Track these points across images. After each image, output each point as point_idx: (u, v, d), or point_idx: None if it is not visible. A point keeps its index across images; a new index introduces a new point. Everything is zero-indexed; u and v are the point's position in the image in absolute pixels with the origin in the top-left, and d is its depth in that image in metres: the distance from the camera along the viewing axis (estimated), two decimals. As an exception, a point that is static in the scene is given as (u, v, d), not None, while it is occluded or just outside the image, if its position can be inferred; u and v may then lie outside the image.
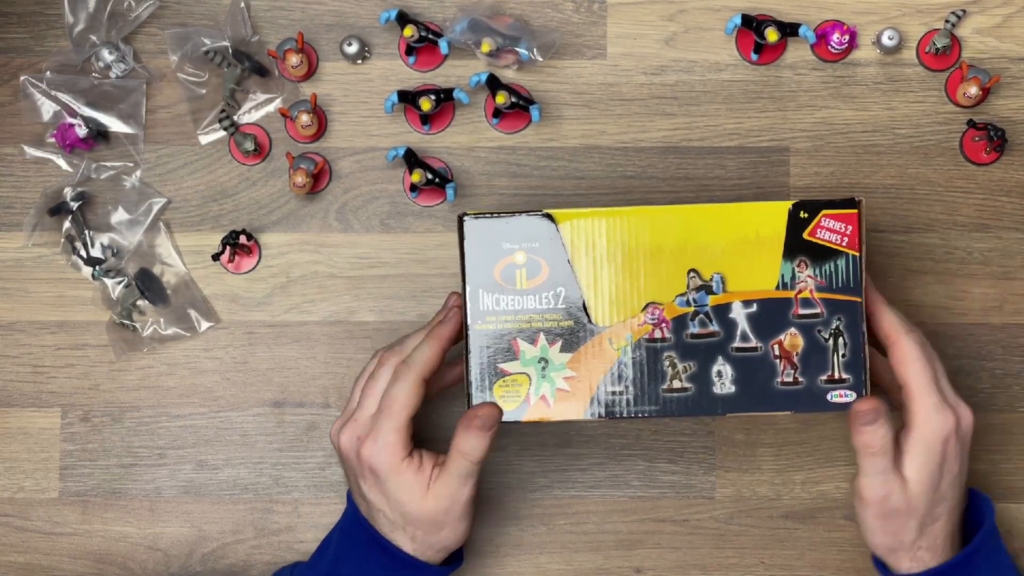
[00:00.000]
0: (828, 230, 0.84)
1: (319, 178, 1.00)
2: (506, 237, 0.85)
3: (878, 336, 0.86)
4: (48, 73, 1.00)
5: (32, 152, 1.01)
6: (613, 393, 0.85)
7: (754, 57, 1.00)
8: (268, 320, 1.00)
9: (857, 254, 0.84)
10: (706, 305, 0.84)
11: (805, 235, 0.84)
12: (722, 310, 0.85)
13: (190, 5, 1.01)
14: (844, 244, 0.84)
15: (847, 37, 0.98)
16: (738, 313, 0.85)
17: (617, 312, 0.85)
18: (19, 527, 0.99)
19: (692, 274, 0.84)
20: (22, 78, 1.00)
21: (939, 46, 0.98)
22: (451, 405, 0.97)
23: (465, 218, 0.84)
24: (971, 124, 0.98)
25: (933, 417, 0.84)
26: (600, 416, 0.85)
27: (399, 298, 1.00)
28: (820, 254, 0.84)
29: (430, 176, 0.97)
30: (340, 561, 0.90)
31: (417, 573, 0.89)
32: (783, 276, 0.84)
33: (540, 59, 0.99)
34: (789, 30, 0.98)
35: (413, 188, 1.00)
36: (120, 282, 0.99)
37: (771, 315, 0.84)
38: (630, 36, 1.01)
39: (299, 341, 1.00)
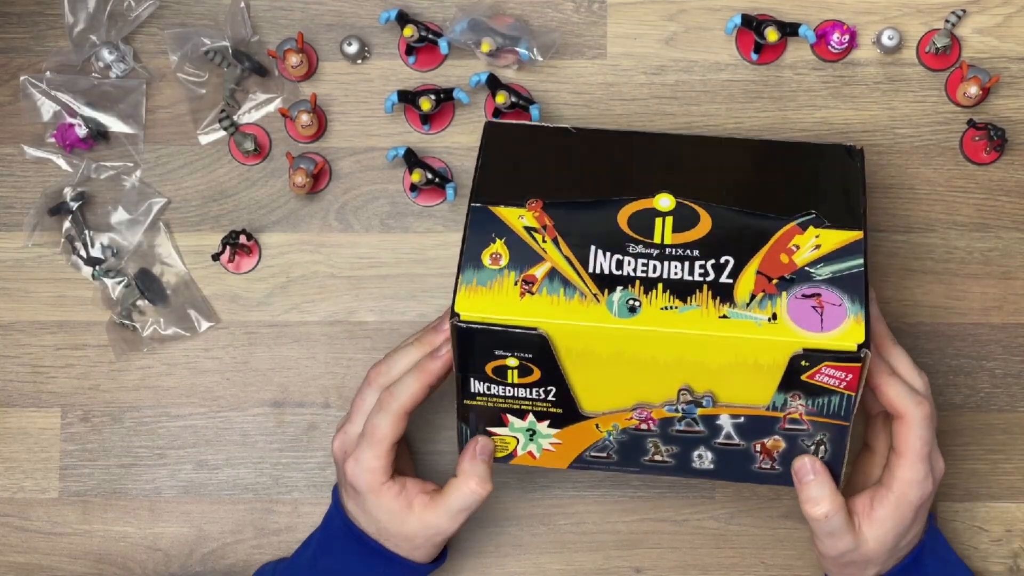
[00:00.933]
0: (828, 376, 0.82)
1: (319, 178, 1.00)
2: (499, 345, 0.82)
3: (883, 402, 0.85)
4: (48, 73, 1.00)
5: (32, 152, 1.01)
6: (596, 457, 0.88)
7: (754, 57, 1.00)
8: (268, 320, 1.00)
9: (853, 394, 0.83)
10: (694, 414, 0.85)
11: (803, 377, 0.82)
12: (710, 417, 0.85)
13: (190, 5, 1.01)
14: (842, 387, 0.83)
15: (847, 37, 0.98)
16: (725, 421, 0.85)
17: (606, 405, 0.85)
18: (19, 527, 0.99)
19: (684, 391, 0.83)
20: (22, 78, 1.00)
21: (939, 46, 0.98)
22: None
23: (458, 323, 0.81)
24: (971, 124, 0.98)
25: (914, 490, 0.84)
26: (583, 468, 0.89)
27: (399, 298, 1.00)
28: (816, 391, 0.83)
29: (430, 176, 0.97)
30: (320, 554, 0.91)
31: (397, 569, 0.89)
32: (775, 402, 0.83)
33: (540, 59, 0.99)
34: (789, 30, 0.98)
35: (413, 188, 1.00)
36: (120, 282, 0.99)
37: (757, 425, 0.85)
38: (630, 36, 1.01)
39: (299, 341, 1.00)
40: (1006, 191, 1.00)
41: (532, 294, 0.81)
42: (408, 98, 0.98)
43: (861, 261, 0.82)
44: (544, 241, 0.83)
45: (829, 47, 0.99)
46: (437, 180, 0.97)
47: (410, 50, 1.00)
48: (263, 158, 1.01)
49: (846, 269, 0.82)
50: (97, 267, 0.99)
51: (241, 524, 0.99)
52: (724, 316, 0.80)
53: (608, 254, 0.82)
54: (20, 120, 1.01)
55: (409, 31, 0.98)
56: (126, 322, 0.99)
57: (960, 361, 0.99)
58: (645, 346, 0.81)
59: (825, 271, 0.82)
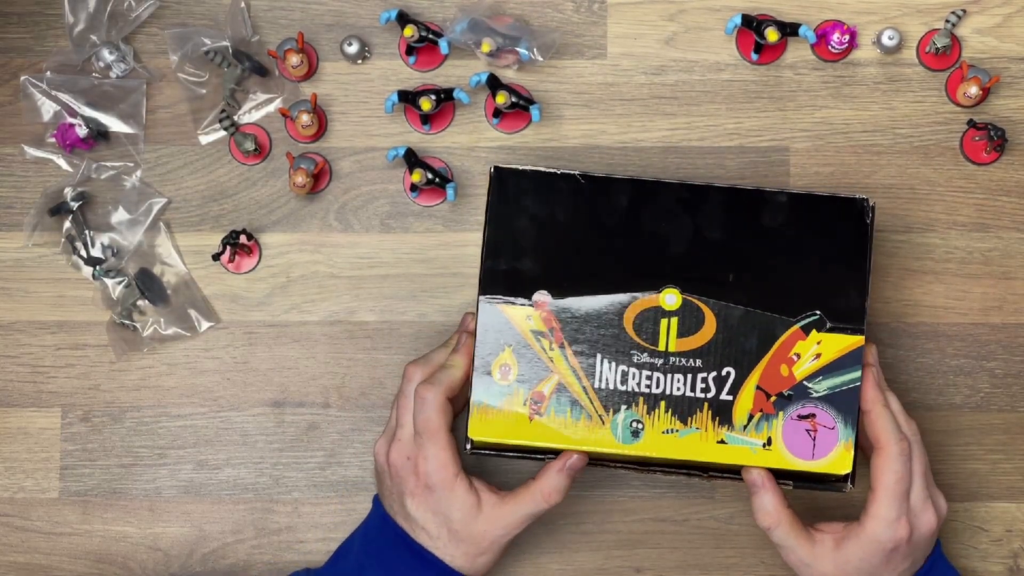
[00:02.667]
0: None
1: (319, 178, 1.00)
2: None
3: (868, 430, 0.87)
4: (48, 73, 1.00)
5: (32, 152, 1.01)
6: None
7: (754, 57, 1.00)
8: (268, 320, 1.00)
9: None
10: None
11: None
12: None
13: (190, 5, 1.01)
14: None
15: (847, 37, 0.98)
16: None
17: None
18: (19, 527, 0.99)
19: None
20: (22, 78, 1.00)
21: (939, 46, 0.98)
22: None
23: (471, 449, 0.88)
24: (971, 124, 0.98)
25: (883, 530, 0.85)
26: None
27: (399, 298, 1.00)
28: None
29: (430, 176, 0.97)
30: (368, 563, 0.90)
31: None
32: None
33: (540, 59, 0.99)
34: (789, 30, 0.98)
35: (413, 188, 1.00)
36: (120, 282, 0.99)
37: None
38: (630, 36, 1.01)
39: (299, 341, 1.00)
40: (1006, 191, 1.00)
41: (540, 415, 0.86)
42: (408, 98, 0.98)
43: (859, 374, 0.86)
44: (552, 349, 0.87)
45: (829, 47, 0.99)
46: (437, 180, 0.97)
47: (410, 50, 1.00)
48: (263, 158, 1.01)
49: (843, 384, 0.87)
50: (97, 267, 0.99)
51: (241, 524, 0.99)
52: (722, 441, 0.86)
53: (614, 365, 0.86)
54: (20, 120, 1.01)
55: (409, 31, 0.97)
56: (126, 322, 0.99)
57: (960, 361, 0.99)
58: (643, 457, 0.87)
59: (822, 387, 0.87)
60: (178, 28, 1.00)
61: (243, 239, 0.98)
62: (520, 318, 0.87)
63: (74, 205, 0.99)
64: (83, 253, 0.99)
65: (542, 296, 0.87)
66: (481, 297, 0.87)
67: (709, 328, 0.87)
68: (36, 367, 1.00)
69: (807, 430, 0.86)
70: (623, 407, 0.86)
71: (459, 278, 0.99)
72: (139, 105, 1.00)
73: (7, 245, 1.00)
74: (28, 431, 1.00)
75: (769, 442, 0.86)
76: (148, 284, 0.99)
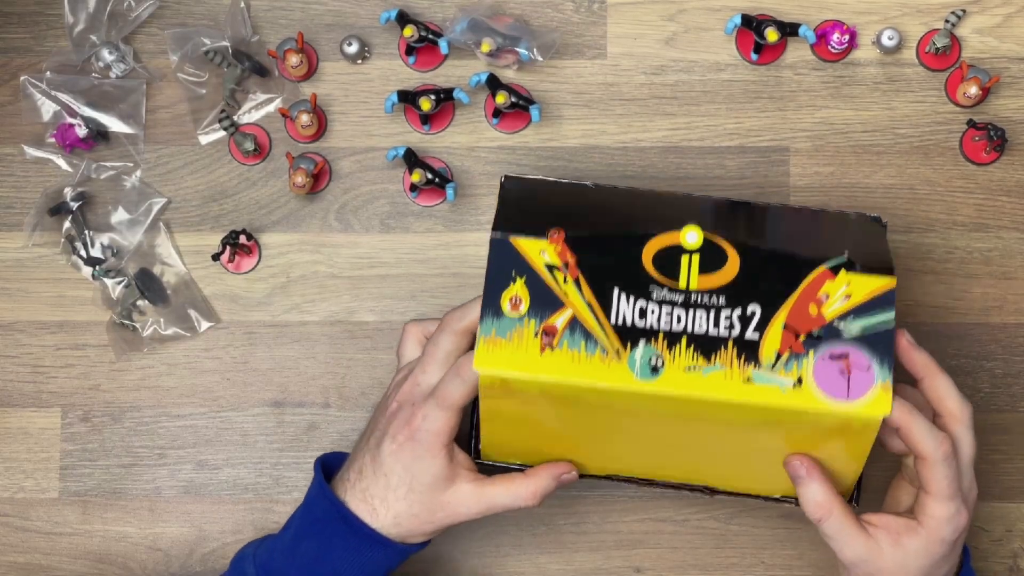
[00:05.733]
0: None
1: (319, 178, 1.00)
2: None
3: (905, 442, 0.82)
4: (48, 73, 1.00)
5: (32, 152, 1.01)
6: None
7: (754, 57, 1.00)
8: (268, 320, 1.00)
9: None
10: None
11: None
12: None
13: (190, 5, 1.01)
14: None
15: (847, 37, 0.98)
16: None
17: (612, 464, 0.88)
18: (19, 527, 0.99)
19: None
20: (22, 78, 1.00)
21: (939, 46, 0.98)
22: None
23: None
24: (971, 124, 0.98)
25: (945, 527, 0.82)
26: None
27: (399, 298, 1.00)
28: None
29: (430, 176, 0.97)
30: (302, 536, 0.87)
31: (379, 548, 0.86)
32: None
33: (540, 59, 0.99)
34: (789, 30, 0.98)
35: (413, 188, 1.00)
36: (120, 282, 0.99)
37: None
38: (630, 36, 1.01)
39: (299, 341, 1.00)
40: (1006, 191, 1.00)
41: (552, 348, 0.79)
42: (408, 98, 0.98)
43: (892, 316, 0.80)
44: (565, 282, 0.81)
45: (829, 47, 0.99)
46: (437, 180, 0.97)
47: (410, 50, 1.00)
48: (263, 158, 1.01)
49: (876, 325, 0.80)
50: (97, 267, 0.99)
51: (241, 524, 0.99)
52: (749, 379, 0.79)
53: (632, 299, 0.80)
54: (20, 120, 1.01)
55: (409, 31, 0.98)
56: (126, 322, 0.99)
57: (960, 361, 0.99)
58: (666, 407, 0.80)
59: (854, 327, 0.80)
60: (178, 28, 1.00)
61: (243, 239, 0.98)
62: (533, 252, 0.81)
63: (74, 205, 0.99)
64: (83, 253, 0.99)
65: (557, 232, 0.82)
66: (493, 232, 0.81)
67: (732, 266, 0.81)
68: (36, 367, 1.00)
69: (840, 370, 0.79)
70: (641, 342, 0.79)
71: (459, 278, 0.99)
72: (139, 105, 1.00)
73: (7, 245, 1.00)
74: (28, 431, 1.00)
75: (800, 381, 0.78)
76: (148, 284, 0.99)
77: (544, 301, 0.80)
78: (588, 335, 0.80)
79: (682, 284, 0.81)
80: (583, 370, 0.79)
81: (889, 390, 0.78)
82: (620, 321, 0.80)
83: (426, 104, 0.97)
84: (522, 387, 0.79)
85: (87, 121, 0.99)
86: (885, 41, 0.99)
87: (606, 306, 0.80)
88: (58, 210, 0.99)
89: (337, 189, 1.00)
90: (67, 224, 0.99)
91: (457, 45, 0.99)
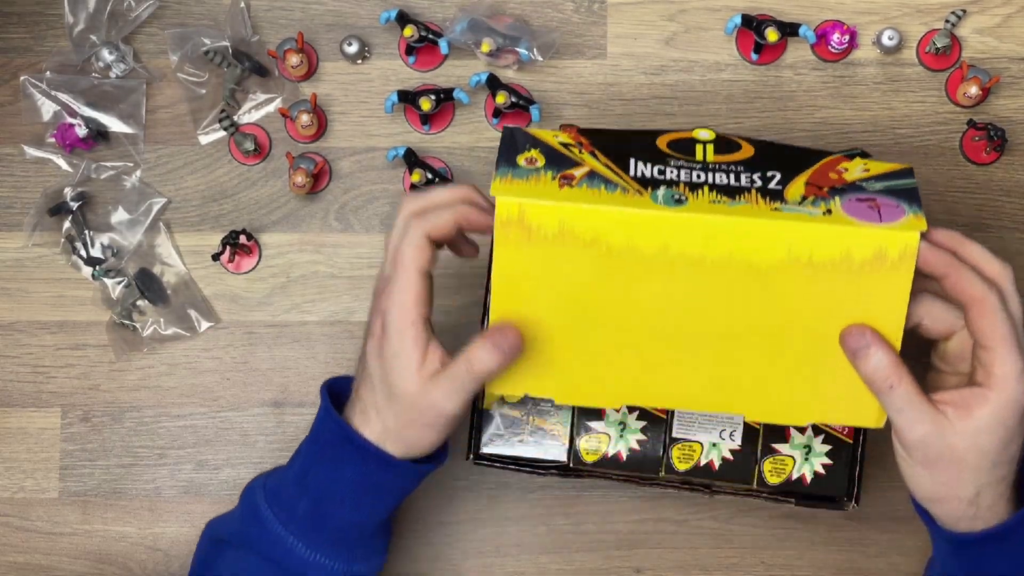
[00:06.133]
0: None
1: (319, 178, 1.00)
2: None
3: (951, 293, 0.76)
4: (48, 73, 1.00)
5: (32, 152, 1.01)
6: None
7: (754, 57, 1.00)
8: (268, 320, 1.00)
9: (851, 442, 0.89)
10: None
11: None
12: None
13: (190, 5, 1.01)
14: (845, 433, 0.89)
15: (847, 37, 0.98)
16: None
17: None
18: (19, 527, 0.99)
19: None
20: (22, 78, 1.00)
21: (939, 46, 0.98)
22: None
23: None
24: (971, 124, 0.98)
25: (1015, 385, 0.74)
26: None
27: (399, 298, 1.00)
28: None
29: (430, 176, 0.97)
30: (309, 464, 0.85)
31: (388, 468, 0.82)
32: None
33: (540, 59, 0.99)
34: (789, 30, 0.98)
35: (413, 188, 1.00)
36: (120, 282, 0.99)
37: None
38: (630, 36, 1.01)
39: (299, 341, 1.00)
40: (1006, 191, 1.00)
41: (572, 187, 0.75)
42: (408, 98, 0.98)
43: (915, 181, 0.77)
44: (581, 152, 0.78)
45: (829, 47, 0.99)
46: (437, 180, 0.97)
47: (410, 50, 1.00)
48: (263, 158, 1.01)
49: (900, 186, 0.77)
50: (97, 267, 0.99)
51: (241, 524, 0.99)
52: (776, 209, 0.75)
53: (649, 164, 0.78)
54: (20, 120, 1.01)
55: (409, 31, 0.98)
56: (126, 322, 0.99)
57: (960, 361, 0.99)
58: (692, 240, 0.74)
59: (878, 185, 0.77)
60: (178, 28, 1.00)
61: (243, 239, 0.98)
62: (547, 135, 0.80)
63: (74, 205, 0.99)
64: (83, 253, 0.99)
65: (569, 127, 0.82)
66: (505, 128, 0.81)
67: (747, 151, 0.79)
68: (36, 367, 1.00)
69: (869, 206, 0.74)
70: (662, 187, 0.75)
71: (459, 278, 0.99)
72: (139, 105, 1.00)
73: (7, 245, 1.00)
74: (28, 431, 1.00)
75: (829, 211, 0.74)
76: (148, 284, 0.99)
77: (560, 162, 0.77)
78: (607, 181, 0.76)
79: (699, 158, 0.79)
80: (605, 199, 0.74)
81: (922, 218, 0.74)
82: (638, 175, 0.77)
83: (426, 104, 0.97)
84: (541, 220, 0.75)
85: (87, 121, 0.99)
86: (885, 41, 0.99)
87: (623, 167, 0.77)
88: (58, 210, 0.99)
89: (337, 189, 1.00)
90: (67, 224, 0.99)
91: (457, 45, 0.99)
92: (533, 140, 0.79)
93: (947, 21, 0.99)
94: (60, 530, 0.99)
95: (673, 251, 0.75)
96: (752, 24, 0.98)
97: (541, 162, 0.77)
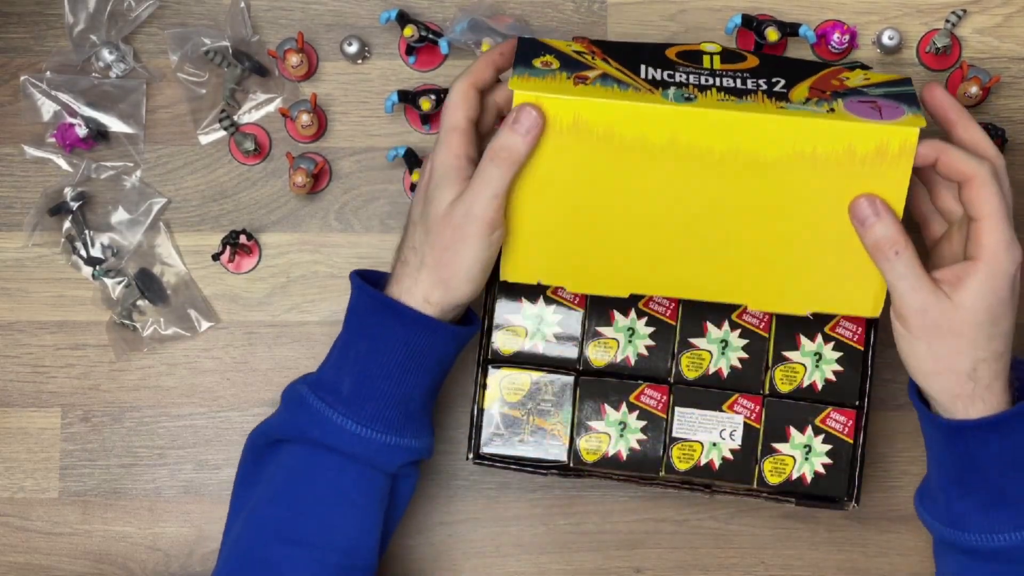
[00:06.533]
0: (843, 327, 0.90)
1: (319, 178, 1.00)
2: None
3: (945, 172, 0.81)
4: (48, 73, 1.00)
5: (32, 152, 1.01)
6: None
7: (754, 57, 1.00)
8: (268, 320, 1.00)
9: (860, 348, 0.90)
10: None
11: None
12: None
13: (190, 5, 1.01)
14: (854, 341, 0.90)
15: (847, 37, 0.98)
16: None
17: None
18: (19, 527, 0.99)
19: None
20: (22, 78, 1.00)
21: (939, 46, 0.98)
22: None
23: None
24: (971, 124, 0.98)
25: (1004, 255, 0.79)
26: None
27: (399, 298, 1.00)
28: None
29: (430, 176, 0.97)
30: (348, 344, 0.87)
31: (431, 334, 0.85)
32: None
33: (540, 59, 0.99)
34: (789, 30, 0.98)
35: (413, 188, 1.00)
36: (120, 282, 0.99)
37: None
38: (630, 36, 1.01)
39: (299, 341, 1.00)
40: (1006, 191, 0.99)
41: (586, 85, 0.81)
42: (408, 98, 0.98)
43: (913, 88, 0.82)
44: (593, 59, 0.83)
45: (829, 47, 0.99)
46: (437, 180, 0.97)
47: (410, 50, 1.00)
48: (263, 158, 1.01)
49: (899, 91, 0.82)
50: (97, 267, 0.99)
51: (241, 524, 0.99)
52: (782, 107, 0.80)
53: (659, 69, 0.83)
54: (20, 120, 1.01)
55: (409, 31, 0.97)
56: (126, 322, 0.99)
57: (960, 361, 0.99)
58: (701, 134, 0.80)
59: (878, 91, 0.82)
60: (178, 28, 1.00)
61: (243, 239, 0.98)
62: (561, 44, 0.85)
63: (74, 205, 0.99)
64: (83, 253, 0.99)
65: (581, 38, 0.87)
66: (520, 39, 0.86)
67: (752, 62, 0.85)
68: (36, 367, 1.00)
69: (871, 107, 0.80)
70: (672, 87, 0.81)
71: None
72: (139, 105, 1.00)
73: (7, 245, 1.00)
74: (28, 431, 1.00)
75: (832, 110, 0.80)
76: (148, 284, 0.99)
77: (574, 65, 0.82)
78: (619, 81, 0.81)
79: (706, 66, 0.84)
80: (618, 95, 0.80)
81: (921, 117, 0.79)
82: (649, 78, 0.82)
83: (426, 104, 0.97)
84: (556, 112, 0.80)
85: (87, 121, 0.99)
86: (885, 41, 0.99)
87: (635, 72, 0.82)
88: (58, 210, 0.99)
89: (337, 189, 1.00)
90: (67, 224, 0.99)
91: (457, 45, 0.99)
92: (548, 48, 0.84)
93: (947, 21, 0.99)
94: (60, 530, 0.99)
95: (682, 144, 0.80)
96: (752, 24, 0.98)
97: (556, 65, 0.83)
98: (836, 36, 0.98)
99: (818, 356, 0.90)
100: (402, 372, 0.85)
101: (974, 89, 0.97)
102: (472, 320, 0.89)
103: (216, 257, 0.98)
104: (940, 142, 0.80)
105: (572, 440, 0.90)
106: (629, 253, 0.85)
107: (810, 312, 0.87)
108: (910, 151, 0.79)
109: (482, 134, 0.87)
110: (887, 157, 0.79)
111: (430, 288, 0.84)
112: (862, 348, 0.90)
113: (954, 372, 0.81)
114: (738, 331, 0.90)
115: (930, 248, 0.87)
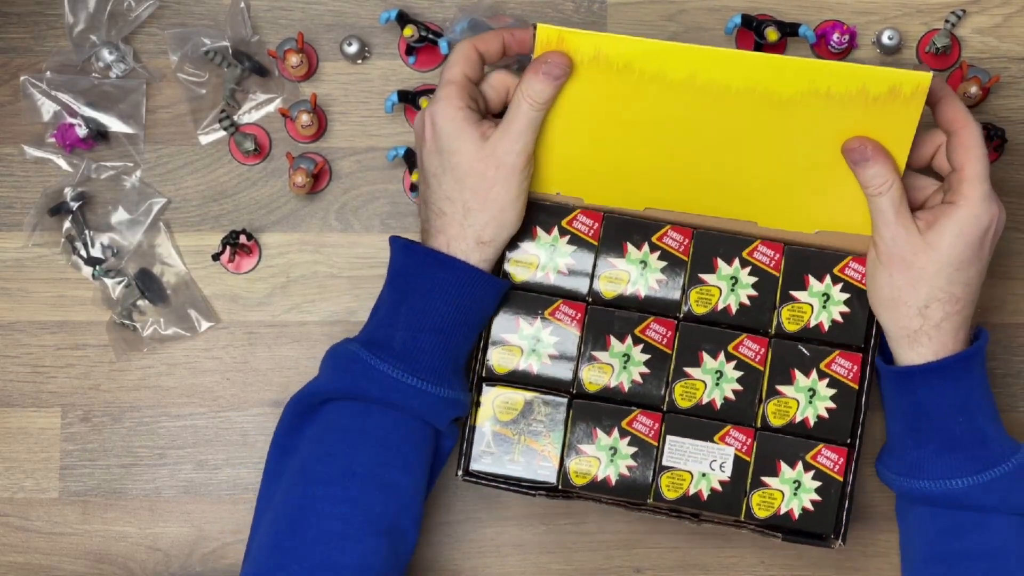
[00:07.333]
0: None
1: (319, 178, 1.00)
2: None
3: (941, 118, 0.86)
4: (48, 73, 1.00)
5: (32, 152, 1.01)
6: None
7: (754, 57, 1.00)
8: (268, 320, 1.00)
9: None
10: None
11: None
12: None
13: (190, 5, 1.01)
14: (848, 378, 0.91)
15: (847, 37, 0.98)
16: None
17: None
18: (19, 527, 0.99)
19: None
20: (22, 78, 1.00)
21: (939, 46, 0.98)
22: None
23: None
24: (971, 124, 0.98)
25: (979, 204, 0.83)
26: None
27: (399, 298, 1.00)
28: None
29: (430, 176, 0.97)
30: (398, 301, 0.88)
31: (479, 284, 0.87)
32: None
33: (540, 59, 0.99)
34: (789, 30, 0.98)
35: (413, 188, 1.00)
36: (120, 282, 0.99)
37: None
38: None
39: (299, 341, 1.00)
40: (1006, 191, 0.99)
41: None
42: (408, 98, 0.98)
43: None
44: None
45: (829, 47, 0.99)
46: (437, 180, 0.97)
47: (410, 50, 1.00)
48: (263, 158, 1.01)
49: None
50: (97, 267, 0.99)
51: (241, 524, 0.99)
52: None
53: None
54: (20, 120, 1.01)
55: (409, 31, 0.98)
56: (126, 322, 0.99)
57: (960, 361, 0.99)
58: (719, 71, 0.83)
59: None
60: (178, 28, 1.00)
61: (243, 239, 0.98)
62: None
63: (74, 205, 0.99)
64: (83, 253, 0.99)
65: None
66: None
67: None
68: (36, 367, 1.00)
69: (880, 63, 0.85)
70: None
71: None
72: (139, 105, 1.00)
73: (7, 245, 1.01)
74: (28, 431, 1.00)
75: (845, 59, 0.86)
76: (148, 284, 0.99)
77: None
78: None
79: None
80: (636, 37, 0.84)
81: (930, 72, 0.83)
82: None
83: (426, 104, 0.97)
84: (578, 44, 0.84)
85: (87, 121, 0.99)
86: (885, 41, 0.99)
87: None
88: (58, 210, 0.99)
89: (337, 189, 1.00)
90: (67, 224, 0.99)
91: (457, 45, 0.99)
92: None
93: (947, 21, 0.99)
94: (60, 530, 0.99)
95: (700, 79, 0.84)
96: (752, 24, 0.98)
97: None
98: (836, 36, 0.98)
99: (812, 392, 0.89)
100: (452, 326, 0.87)
101: (974, 89, 0.97)
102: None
103: (216, 257, 0.98)
104: (946, 85, 0.85)
105: (562, 462, 0.90)
106: (645, 172, 0.89)
107: (816, 230, 0.89)
108: (922, 94, 0.83)
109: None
110: (899, 98, 0.83)
111: (482, 228, 0.87)
112: (856, 386, 0.89)
113: (906, 304, 0.85)
114: (733, 362, 0.90)
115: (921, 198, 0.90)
